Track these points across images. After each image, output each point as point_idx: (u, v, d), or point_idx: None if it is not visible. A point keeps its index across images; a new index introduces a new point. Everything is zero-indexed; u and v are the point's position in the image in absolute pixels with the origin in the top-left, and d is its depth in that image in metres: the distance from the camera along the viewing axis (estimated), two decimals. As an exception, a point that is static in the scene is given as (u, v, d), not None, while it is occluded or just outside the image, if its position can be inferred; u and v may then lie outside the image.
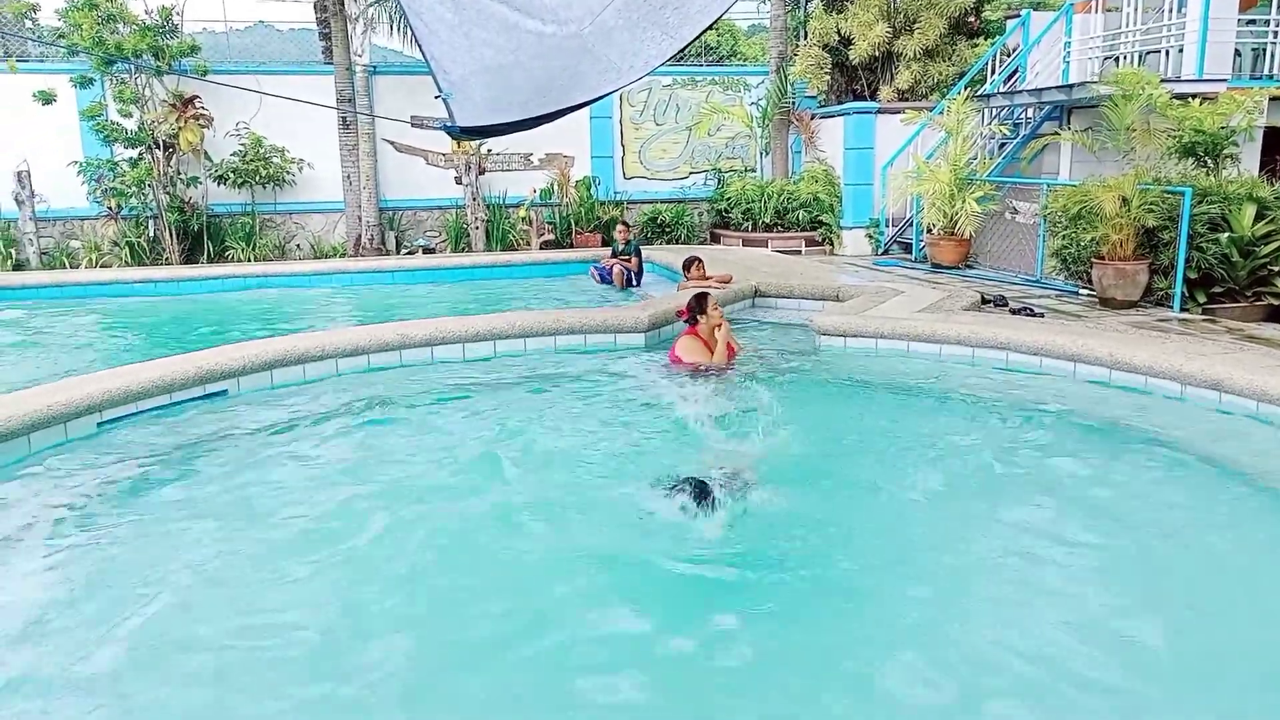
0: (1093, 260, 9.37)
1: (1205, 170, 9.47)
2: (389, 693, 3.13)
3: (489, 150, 15.25)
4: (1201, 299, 8.86)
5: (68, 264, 13.66)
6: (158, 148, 13.51)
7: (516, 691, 3.14)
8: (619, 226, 12.42)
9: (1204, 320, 8.50)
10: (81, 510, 4.58)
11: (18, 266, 13.48)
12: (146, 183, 13.45)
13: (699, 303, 7.23)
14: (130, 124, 13.57)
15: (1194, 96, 9.80)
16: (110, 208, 13.64)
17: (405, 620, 3.60)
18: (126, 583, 3.86)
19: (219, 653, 3.37)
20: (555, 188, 15.62)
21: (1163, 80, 10.09)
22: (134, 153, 13.64)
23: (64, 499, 4.71)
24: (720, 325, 7.33)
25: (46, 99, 13.20)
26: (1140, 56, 11.83)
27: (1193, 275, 8.83)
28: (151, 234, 13.94)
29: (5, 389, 6.57)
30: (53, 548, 4.19)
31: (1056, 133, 11.83)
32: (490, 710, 3.06)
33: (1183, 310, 8.84)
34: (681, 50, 7.44)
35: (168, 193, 13.70)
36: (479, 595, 3.79)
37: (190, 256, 14.06)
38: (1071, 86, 11.31)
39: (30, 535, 4.30)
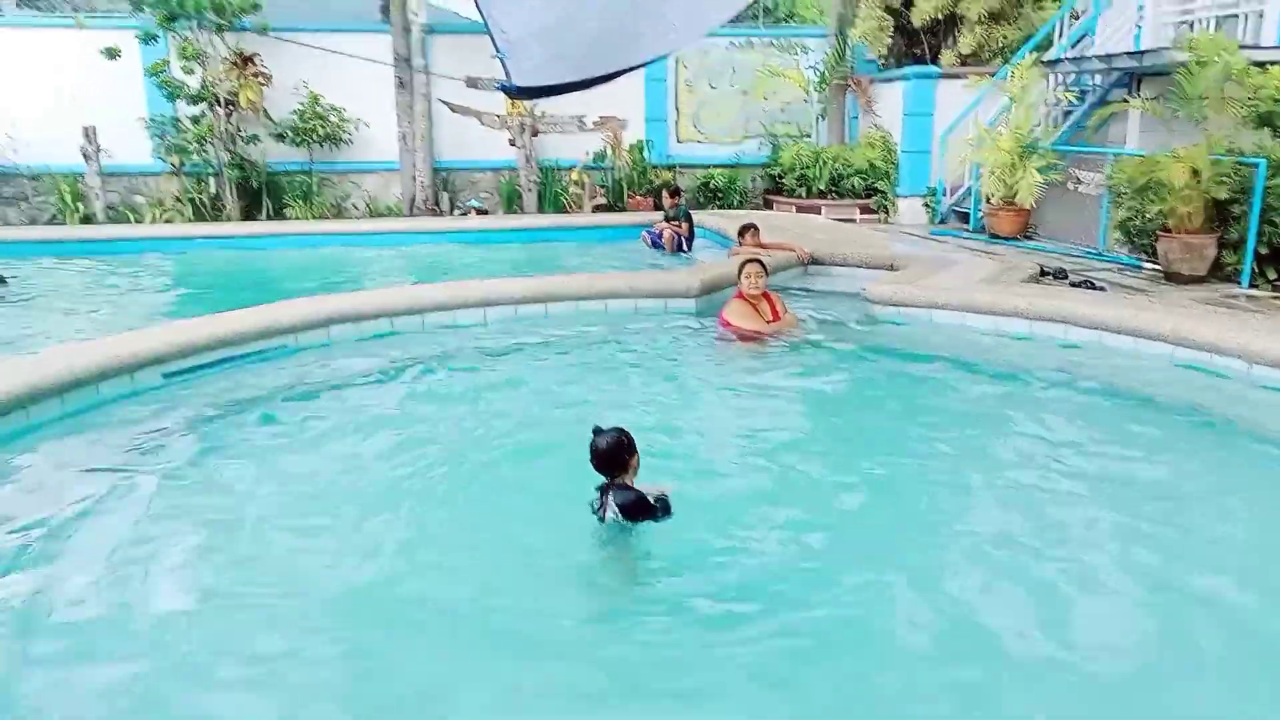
0: (1158, 233, 9.11)
1: (1282, 141, 9.12)
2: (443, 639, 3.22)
3: (543, 113, 15.21)
4: (1271, 275, 8.58)
5: (132, 218, 13.99)
6: (219, 105, 13.71)
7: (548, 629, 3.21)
8: (665, 194, 12.34)
9: (1273, 297, 8.24)
10: (149, 458, 4.74)
11: (85, 220, 13.84)
12: (208, 139, 13.67)
13: (742, 266, 7.29)
14: (193, 81, 13.77)
15: (1274, 64, 9.40)
16: (173, 164, 13.91)
17: (452, 569, 3.69)
18: (187, 531, 3.99)
19: (283, 598, 3.48)
20: (608, 151, 15.55)
21: (1241, 46, 9.70)
22: (196, 109, 13.86)
23: (133, 446, 4.87)
24: (766, 294, 7.30)
25: (112, 54, 13.44)
26: (1217, 21, 11.36)
27: (1263, 250, 8.55)
28: (213, 190, 14.19)
29: (75, 338, 6.78)
30: (121, 493, 4.33)
31: (1125, 100, 11.45)
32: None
33: (1251, 286, 8.57)
34: (739, 12, 7.32)
35: (229, 150, 13.92)
36: (512, 547, 3.87)
37: (249, 214, 14.30)
38: (1143, 53, 10.92)
39: (96, 481, 4.45)
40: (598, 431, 3.77)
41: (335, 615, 3.38)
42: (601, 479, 3.79)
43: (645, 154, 15.69)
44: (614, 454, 3.75)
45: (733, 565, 3.68)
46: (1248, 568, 3.69)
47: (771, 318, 7.26)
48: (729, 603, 3.41)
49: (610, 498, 3.72)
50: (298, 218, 14.15)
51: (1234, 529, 4.04)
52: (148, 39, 13.53)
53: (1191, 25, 11.58)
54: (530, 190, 14.98)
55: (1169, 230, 8.97)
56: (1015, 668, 3.06)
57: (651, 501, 3.73)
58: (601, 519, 3.73)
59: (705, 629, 3.25)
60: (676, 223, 11.86)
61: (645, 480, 3.83)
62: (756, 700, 2.92)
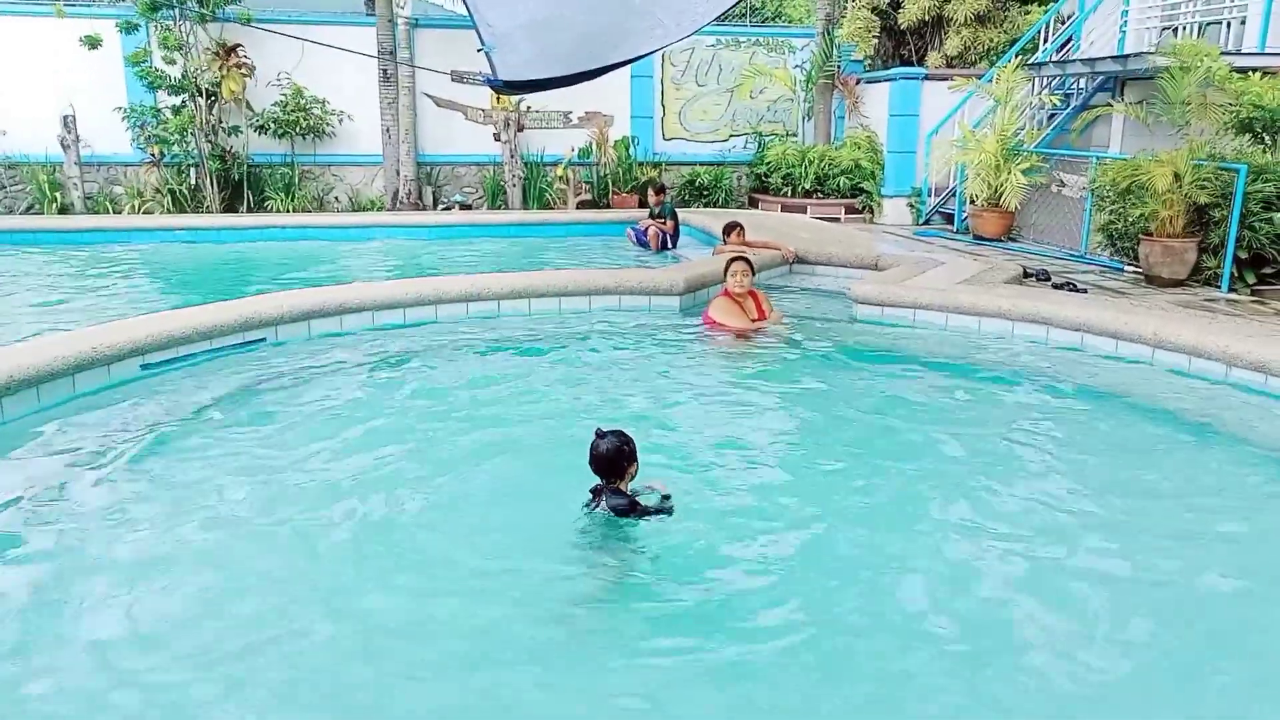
0: (1140, 236, 9.17)
1: (1262, 147, 9.20)
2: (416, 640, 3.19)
3: (528, 108, 15.15)
4: (1250, 279, 8.66)
5: (111, 209, 13.83)
6: (200, 95, 13.57)
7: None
8: (650, 191, 12.31)
9: (1252, 301, 8.31)
10: (121, 450, 4.67)
11: (63, 210, 13.67)
12: (189, 130, 13.53)
13: (729, 264, 7.27)
14: (174, 71, 13.63)
15: (1255, 70, 9.49)
16: (153, 154, 13.76)
17: (432, 569, 3.66)
18: (159, 521, 3.94)
19: (251, 592, 3.44)
20: (594, 147, 15.51)
21: (1223, 53, 9.78)
22: (177, 100, 13.71)
23: (106, 439, 4.80)
24: (751, 292, 7.29)
25: (93, 43, 13.28)
26: (1200, 28, 11.46)
27: (1243, 255, 8.62)
28: (193, 182, 14.05)
29: (50, 330, 6.69)
30: (95, 485, 4.28)
31: (1109, 104, 11.53)
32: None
33: (1230, 290, 8.64)
34: (728, 9, 7.30)
35: (210, 141, 13.78)
36: (491, 542, 3.84)
37: (230, 205, 14.17)
38: (1127, 57, 10.99)
39: (74, 473, 4.39)
40: (600, 434, 3.70)
41: (308, 615, 3.33)
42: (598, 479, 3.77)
43: (631, 151, 15.67)
44: (614, 460, 3.70)
45: (716, 559, 3.66)
46: (1226, 564, 3.71)
47: (757, 316, 7.26)
48: (712, 597, 3.39)
49: (604, 500, 3.69)
50: (279, 210, 14.03)
51: (1211, 527, 4.06)
52: (129, 28, 13.38)
53: (1175, 31, 11.68)
54: (514, 185, 14.92)
55: (1150, 234, 9.04)
56: (1010, 664, 3.06)
57: (650, 507, 3.71)
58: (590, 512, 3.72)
59: (688, 625, 3.24)
60: (661, 220, 11.84)
61: (640, 474, 3.83)
62: (737, 698, 2.91)
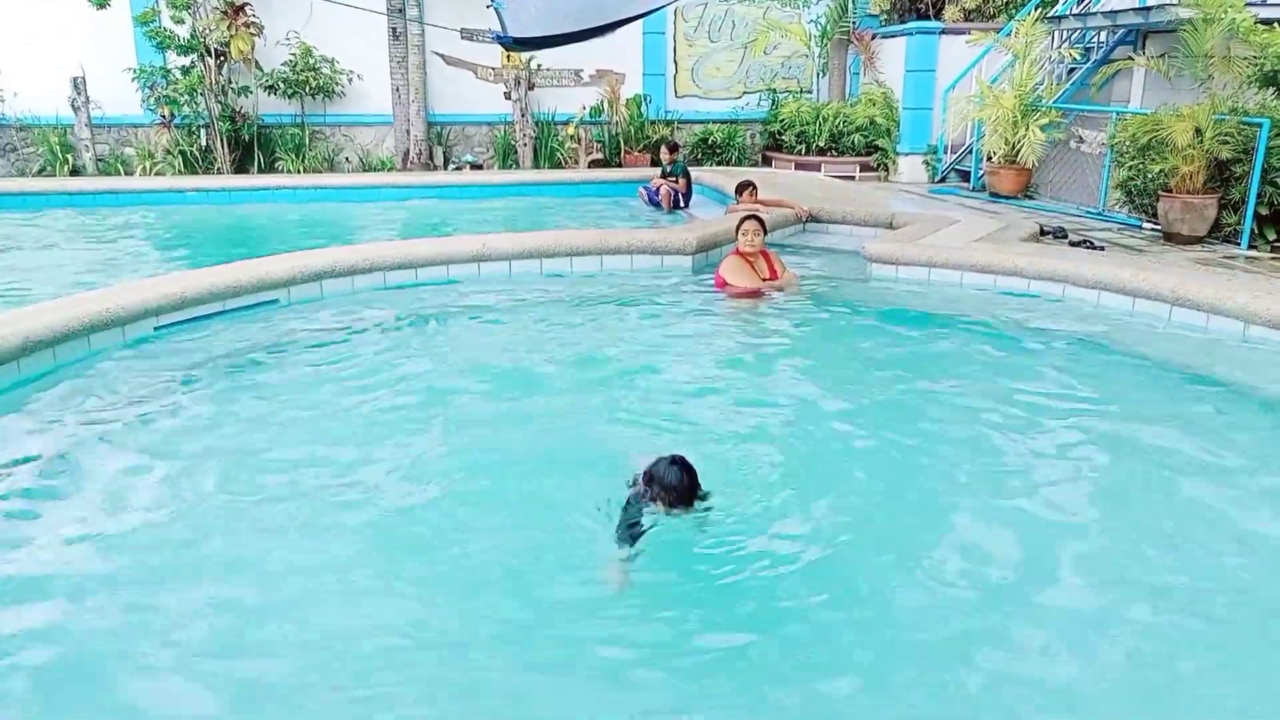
0: (1159, 193, 9.05)
1: (1286, 101, 9.03)
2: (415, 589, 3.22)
3: (539, 66, 14.99)
4: (1271, 236, 8.55)
5: (122, 170, 13.81)
6: (209, 55, 13.48)
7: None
8: (663, 149, 12.18)
9: (1272, 258, 8.21)
10: (135, 410, 4.71)
11: (74, 172, 13.67)
12: (199, 91, 13.46)
13: (740, 223, 7.19)
14: (182, 31, 13.53)
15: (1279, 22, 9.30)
16: (163, 115, 13.71)
17: (437, 528, 3.69)
18: (171, 480, 3.98)
19: (262, 547, 3.47)
20: (605, 105, 15.36)
21: (1247, 4, 9.57)
22: (186, 60, 13.63)
23: (121, 399, 4.84)
24: (763, 252, 7.24)
25: (100, 3, 13.17)
26: (1225, -23, 11.20)
27: (1264, 211, 8.50)
28: (204, 143, 14.01)
29: (65, 291, 6.72)
30: (112, 444, 4.32)
31: (1130, 58, 11.32)
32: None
33: (1250, 247, 8.53)
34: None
35: (219, 102, 13.70)
36: (495, 505, 3.87)
37: (241, 166, 14.13)
38: (1149, 9, 10.76)
39: (88, 432, 4.43)
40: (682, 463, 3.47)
41: (322, 584, 3.35)
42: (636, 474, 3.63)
43: (643, 109, 15.50)
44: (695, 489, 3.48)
45: (727, 521, 3.67)
46: (1243, 526, 3.70)
47: (769, 275, 7.21)
48: (724, 563, 3.40)
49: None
50: (290, 171, 13.99)
51: (1228, 486, 4.04)
52: (136, -13, 13.28)
53: (1199, -19, 11.40)
54: (525, 145, 14.81)
55: (1170, 190, 8.91)
56: (1021, 641, 3.07)
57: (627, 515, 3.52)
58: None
59: (699, 589, 3.26)
60: (674, 179, 11.73)
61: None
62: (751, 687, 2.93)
